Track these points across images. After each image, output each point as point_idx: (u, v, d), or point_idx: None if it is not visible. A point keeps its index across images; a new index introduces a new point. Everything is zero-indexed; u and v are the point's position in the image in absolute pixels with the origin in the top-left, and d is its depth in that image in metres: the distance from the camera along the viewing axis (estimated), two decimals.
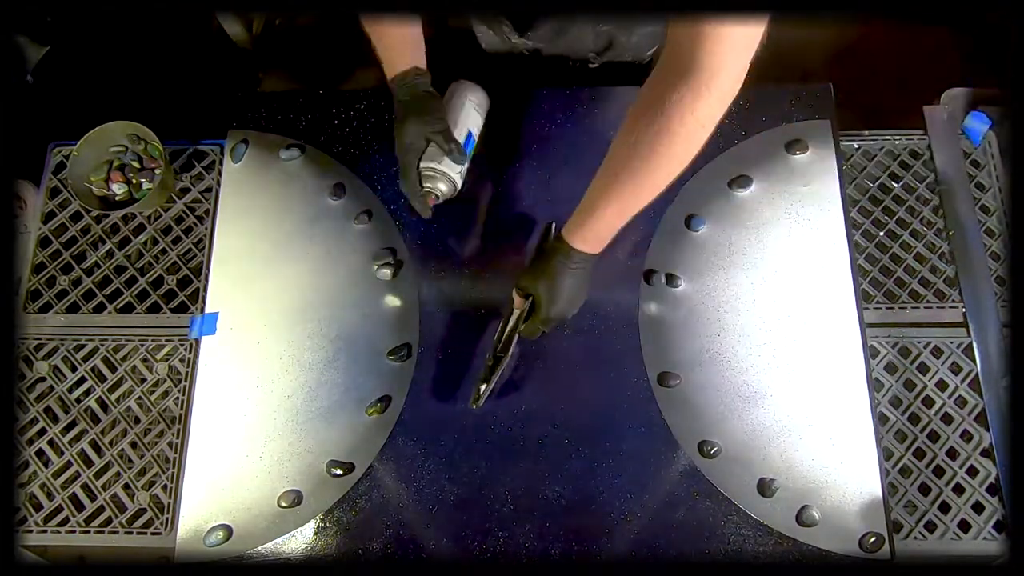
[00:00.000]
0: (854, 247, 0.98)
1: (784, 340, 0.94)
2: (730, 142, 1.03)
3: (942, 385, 0.96)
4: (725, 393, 0.92)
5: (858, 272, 0.99)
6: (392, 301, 0.98)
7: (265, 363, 0.96)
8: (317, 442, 0.92)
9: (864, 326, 0.94)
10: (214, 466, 0.92)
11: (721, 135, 1.03)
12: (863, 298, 0.99)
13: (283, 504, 0.90)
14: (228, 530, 0.89)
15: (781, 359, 0.94)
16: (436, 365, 0.95)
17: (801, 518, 0.87)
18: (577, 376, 0.93)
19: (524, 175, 1.02)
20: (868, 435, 0.90)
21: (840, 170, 1.01)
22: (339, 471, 0.90)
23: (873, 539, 0.86)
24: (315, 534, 0.89)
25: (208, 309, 0.99)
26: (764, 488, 0.88)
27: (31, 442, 0.97)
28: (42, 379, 1.00)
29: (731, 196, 1.01)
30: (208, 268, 1.01)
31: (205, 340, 0.97)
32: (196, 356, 0.98)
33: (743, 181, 1.00)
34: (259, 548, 0.89)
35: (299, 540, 0.89)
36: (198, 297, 1.02)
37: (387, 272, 0.98)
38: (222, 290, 0.99)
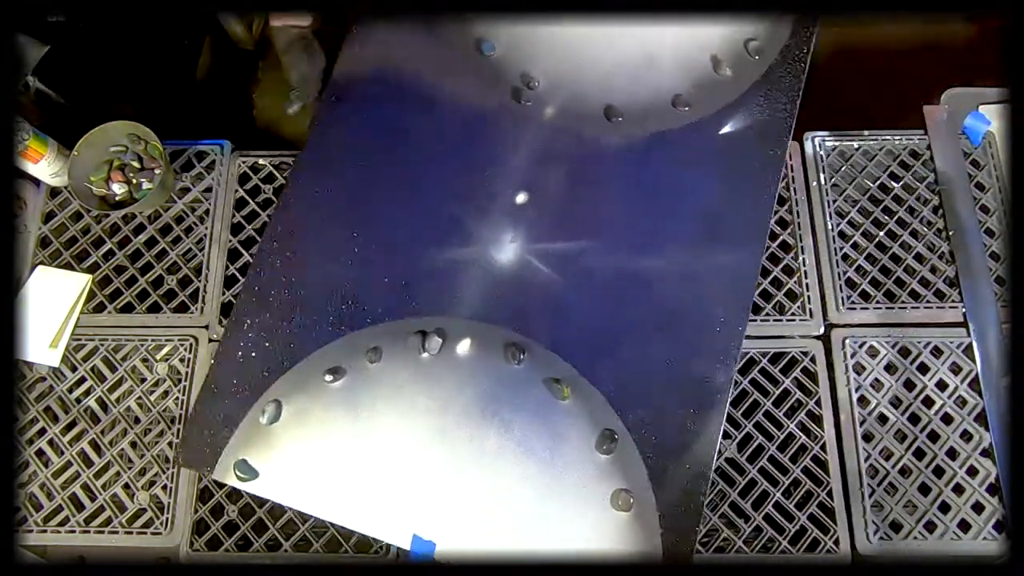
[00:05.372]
0: (854, 247, 0.98)
1: None
2: None
3: (942, 385, 0.96)
4: None
5: (858, 272, 0.99)
6: None
7: None
8: None
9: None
10: None
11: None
12: (863, 298, 0.99)
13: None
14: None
15: None
16: None
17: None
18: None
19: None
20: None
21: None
22: None
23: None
24: None
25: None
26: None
27: (31, 442, 0.97)
28: (42, 379, 1.00)
29: None
30: (208, 268, 1.02)
31: None
32: (196, 356, 0.98)
33: None
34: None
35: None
36: (198, 297, 1.02)
37: None
38: None
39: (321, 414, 0.89)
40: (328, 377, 0.90)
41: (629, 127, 1.01)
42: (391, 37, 1.06)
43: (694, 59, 1.04)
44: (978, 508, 0.91)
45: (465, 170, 1.00)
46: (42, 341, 0.98)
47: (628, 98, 1.03)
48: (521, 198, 0.98)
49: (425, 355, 0.91)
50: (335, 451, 0.88)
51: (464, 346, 0.92)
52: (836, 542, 0.90)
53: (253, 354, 0.92)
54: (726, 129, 1.01)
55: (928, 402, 0.96)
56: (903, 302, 1.00)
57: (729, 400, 0.91)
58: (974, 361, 0.96)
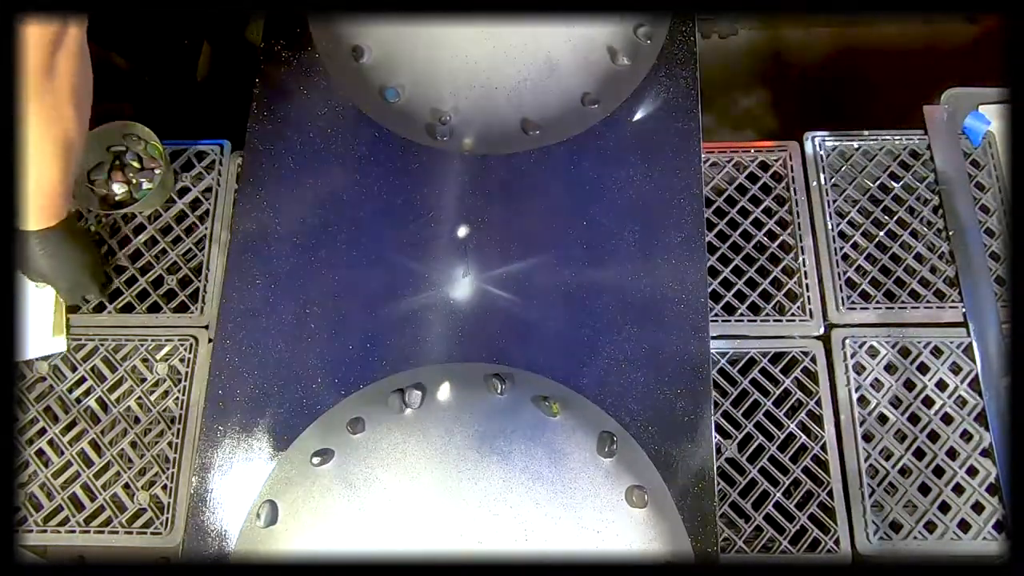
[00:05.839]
0: (854, 247, 0.98)
1: None
2: None
3: (942, 385, 0.96)
4: None
5: (858, 272, 0.99)
6: None
7: None
8: None
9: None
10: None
11: None
12: (863, 298, 0.99)
13: None
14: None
15: None
16: None
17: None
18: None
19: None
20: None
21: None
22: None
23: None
24: None
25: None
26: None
27: (31, 442, 0.98)
28: (42, 379, 1.00)
29: None
30: (208, 268, 1.02)
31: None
32: (196, 356, 0.98)
33: None
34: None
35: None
36: (198, 297, 1.02)
37: None
38: None
39: (318, 501, 0.87)
40: (316, 460, 0.87)
41: (547, 136, 1.02)
42: (293, 107, 1.05)
43: (591, 55, 1.06)
44: (978, 508, 0.91)
45: (401, 220, 0.99)
46: (43, 332, 0.98)
47: (540, 108, 1.04)
48: (463, 231, 0.98)
49: (408, 411, 0.90)
50: (341, 533, 0.86)
51: (445, 391, 0.91)
52: (836, 542, 0.90)
53: (233, 459, 0.90)
54: (638, 116, 1.03)
55: (928, 402, 0.96)
56: (903, 302, 1.00)
57: (712, 372, 0.92)
58: (974, 361, 0.96)
